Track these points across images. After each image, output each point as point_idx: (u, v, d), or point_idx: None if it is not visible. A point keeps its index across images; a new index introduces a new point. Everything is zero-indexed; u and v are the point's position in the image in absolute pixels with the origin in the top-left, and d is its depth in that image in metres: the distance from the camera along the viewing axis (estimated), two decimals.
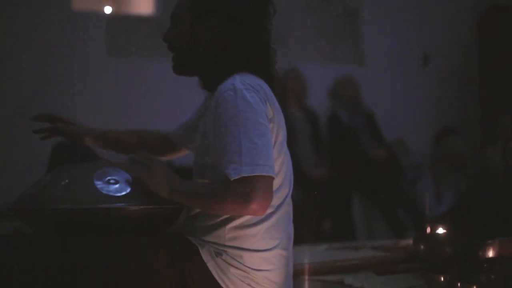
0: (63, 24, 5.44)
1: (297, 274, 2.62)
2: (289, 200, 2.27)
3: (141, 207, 2.20)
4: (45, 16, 5.39)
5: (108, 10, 5.66)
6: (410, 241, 3.21)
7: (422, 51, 6.94)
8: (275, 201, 2.20)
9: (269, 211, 2.19)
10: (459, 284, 2.34)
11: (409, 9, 6.91)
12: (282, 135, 2.22)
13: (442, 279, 2.54)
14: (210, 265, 2.18)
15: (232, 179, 2.03)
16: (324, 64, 6.49)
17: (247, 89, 2.11)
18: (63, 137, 2.60)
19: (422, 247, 2.95)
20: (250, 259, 2.18)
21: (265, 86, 2.20)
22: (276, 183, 2.18)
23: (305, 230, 4.72)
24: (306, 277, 2.82)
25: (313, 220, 5.31)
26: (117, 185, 2.21)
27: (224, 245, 2.18)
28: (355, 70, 6.48)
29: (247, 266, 2.18)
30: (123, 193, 2.21)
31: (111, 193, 2.20)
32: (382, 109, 6.43)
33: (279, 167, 2.19)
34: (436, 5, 7.00)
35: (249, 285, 2.19)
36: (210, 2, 2.23)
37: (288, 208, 2.27)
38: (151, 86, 5.66)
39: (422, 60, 6.95)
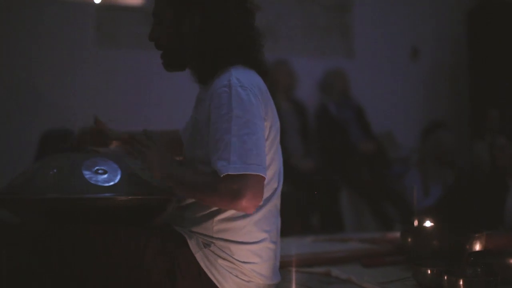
0: (51, 14, 5.41)
1: (284, 266, 2.63)
2: (278, 194, 2.28)
3: (129, 197, 2.21)
4: (32, 6, 5.36)
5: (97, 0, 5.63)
6: (397, 234, 3.21)
7: (412, 45, 6.95)
8: (264, 194, 2.20)
9: None
10: (445, 277, 2.34)
11: (399, 2, 6.91)
12: (275, 131, 2.22)
13: (429, 272, 2.55)
14: (198, 256, 2.18)
15: (221, 175, 2.03)
16: (314, 57, 6.48)
17: (242, 86, 2.10)
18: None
19: (409, 240, 2.95)
20: (237, 251, 2.19)
21: (260, 82, 2.19)
22: (266, 177, 2.18)
23: (292, 222, 4.73)
24: (293, 269, 2.82)
25: (300, 212, 5.32)
26: (105, 175, 2.21)
27: (212, 237, 2.19)
28: (345, 63, 6.48)
29: (234, 258, 2.19)
30: (111, 183, 2.21)
31: (99, 183, 2.20)
32: (371, 102, 6.43)
33: (269, 162, 2.20)
34: None
35: (236, 276, 2.20)
36: None
37: (277, 202, 2.27)
38: (140, 77, 5.64)
39: (411, 54, 6.95)
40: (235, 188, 2.02)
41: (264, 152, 2.09)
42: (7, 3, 5.27)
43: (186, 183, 2.14)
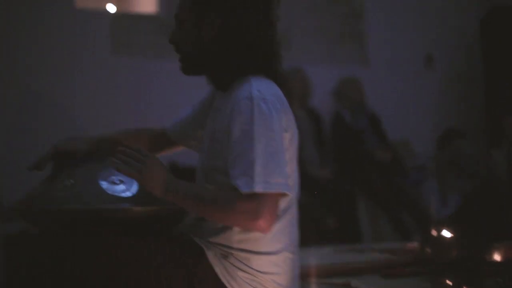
0: (66, 23, 5.44)
1: (303, 277, 2.61)
2: (295, 204, 2.25)
3: (146, 208, 2.20)
4: (48, 15, 5.38)
5: (111, 8, 5.66)
6: (416, 244, 3.20)
7: (426, 52, 6.93)
8: (282, 204, 2.19)
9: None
10: None
11: (413, 10, 6.90)
12: (294, 142, 2.20)
13: (448, 282, 2.53)
14: (217, 267, 2.16)
15: (242, 192, 2.00)
16: (328, 65, 6.47)
17: (263, 99, 2.07)
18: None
19: (428, 250, 2.94)
20: (257, 262, 2.16)
21: (279, 93, 2.17)
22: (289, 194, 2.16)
23: (310, 232, 4.71)
24: (313, 280, 2.81)
25: (318, 222, 5.30)
26: (122, 185, 2.21)
27: (232, 247, 2.16)
28: (360, 71, 6.47)
29: (254, 269, 2.16)
30: (128, 193, 2.19)
31: (116, 194, 2.19)
32: (387, 110, 6.42)
33: (289, 173, 2.18)
34: (439, 6, 6.99)
35: None
36: (211, 2, 2.20)
37: (294, 211, 2.25)
38: (154, 85, 5.65)
39: (426, 61, 6.94)
40: (254, 207, 2.00)
41: (285, 168, 2.06)
42: (21, 10, 5.30)
43: (193, 197, 2.11)
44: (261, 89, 2.10)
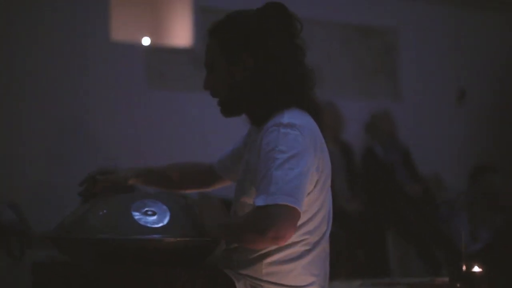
0: (102, 55, 5.50)
1: None
2: (327, 238, 2.26)
3: (177, 239, 2.21)
4: (83, 47, 5.45)
5: (146, 41, 5.71)
6: (445, 279, 3.17)
7: (459, 87, 6.91)
8: (313, 238, 2.20)
9: (306, 248, 2.18)
10: None
11: (445, 45, 6.90)
12: (326, 174, 2.21)
13: None
14: None
15: (256, 207, 2.02)
16: (360, 99, 6.49)
17: (291, 126, 2.11)
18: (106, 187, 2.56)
19: (458, 285, 2.91)
20: None
21: (311, 121, 2.20)
22: (315, 221, 2.18)
23: (339, 264, 4.69)
24: None
25: (347, 255, 5.28)
26: (154, 217, 2.23)
27: (261, 280, 2.18)
28: (392, 105, 6.47)
29: None
30: (160, 224, 2.22)
31: (148, 225, 2.21)
32: (418, 144, 6.40)
33: (320, 205, 2.19)
34: (472, 40, 6.98)
35: None
36: (237, 41, 2.23)
37: (325, 245, 2.26)
38: (189, 117, 5.69)
39: (458, 96, 6.92)
40: (262, 219, 2.01)
41: (304, 188, 2.07)
42: (56, 43, 5.37)
43: (231, 228, 2.16)
44: (291, 118, 2.14)
